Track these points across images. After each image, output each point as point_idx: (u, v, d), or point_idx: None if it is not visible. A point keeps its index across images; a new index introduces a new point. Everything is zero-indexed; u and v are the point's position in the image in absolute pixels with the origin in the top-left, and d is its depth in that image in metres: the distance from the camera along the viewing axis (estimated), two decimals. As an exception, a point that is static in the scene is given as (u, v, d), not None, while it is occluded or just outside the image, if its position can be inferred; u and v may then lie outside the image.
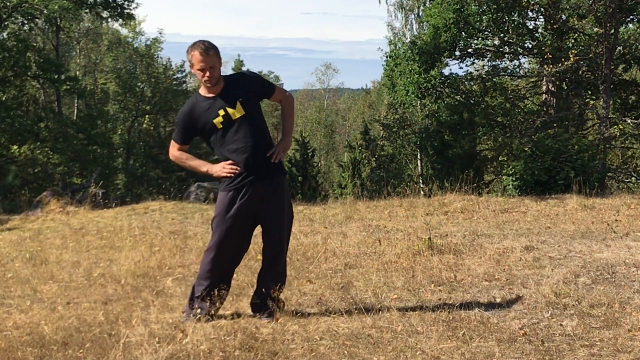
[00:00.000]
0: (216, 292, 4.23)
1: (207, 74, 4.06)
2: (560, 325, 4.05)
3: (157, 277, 5.60)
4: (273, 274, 4.31)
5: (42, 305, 4.85)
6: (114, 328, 4.14)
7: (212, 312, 4.27)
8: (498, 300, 4.63)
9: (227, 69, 56.47)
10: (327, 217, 9.16)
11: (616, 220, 7.83)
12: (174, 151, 4.33)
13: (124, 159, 36.14)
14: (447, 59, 19.22)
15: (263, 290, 4.29)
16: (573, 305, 4.40)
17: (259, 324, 4.13)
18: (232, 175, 4.14)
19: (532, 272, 5.33)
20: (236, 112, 4.12)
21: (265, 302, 4.29)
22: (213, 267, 4.23)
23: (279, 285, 4.32)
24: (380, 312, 4.29)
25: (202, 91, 4.20)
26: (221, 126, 4.12)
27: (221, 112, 4.11)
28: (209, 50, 4.05)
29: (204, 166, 4.30)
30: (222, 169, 4.15)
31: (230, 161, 4.14)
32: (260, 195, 4.16)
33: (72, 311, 4.62)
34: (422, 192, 13.41)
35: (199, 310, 4.18)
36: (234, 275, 5.29)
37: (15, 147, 21.96)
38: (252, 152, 4.11)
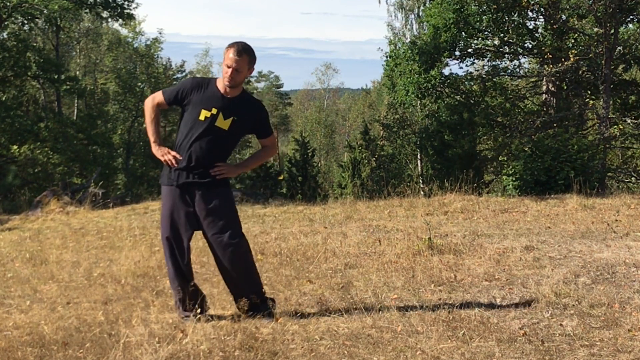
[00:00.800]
0: (190, 290, 4.23)
1: (230, 73, 4.06)
2: (560, 325, 4.05)
3: (157, 277, 5.60)
4: (236, 288, 4.27)
5: (42, 305, 4.85)
6: (114, 328, 4.14)
7: (199, 312, 4.26)
8: (498, 300, 4.63)
9: (227, 69, 56.29)
10: (327, 217, 9.15)
11: (616, 220, 7.82)
12: (152, 102, 4.29)
13: (124, 159, 36.13)
14: (447, 59, 19.23)
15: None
16: (573, 305, 4.40)
17: (259, 324, 4.13)
18: (169, 165, 4.15)
19: (532, 272, 5.33)
20: (223, 123, 4.12)
21: (265, 302, 4.29)
22: (168, 265, 4.25)
23: (249, 297, 4.25)
24: (380, 312, 4.29)
25: (220, 84, 4.17)
26: (203, 119, 4.11)
27: (214, 110, 4.11)
28: (242, 53, 4.05)
29: (154, 138, 4.27)
30: (164, 154, 4.16)
31: (175, 153, 4.14)
32: (199, 203, 4.11)
33: (72, 311, 4.61)
34: (422, 192, 13.41)
35: (185, 313, 4.20)
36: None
37: (15, 147, 21.95)
38: (201, 158, 4.10)
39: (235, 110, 4.14)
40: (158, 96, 4.30)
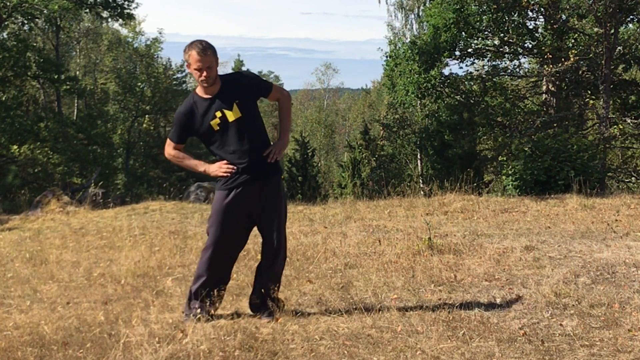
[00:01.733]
0: (215, 292, 4.23)
1: (204, 74, 4.04)
2: (560, 325, 4.05)
3: (157, 277, 5.60)
4: (271, 274, 4.31)
5: (42, 305, 4.85)
6: (114, 328, 4.14)
7: (212, 311, 4.27)
8: (498, 300, 4.63)
9: (227, 69, 56.44)
10: (327, 217, 9.15)
11: (616, 220, 7.82)
12: (170, 150, 4.33)
13: (124, 159, 36.15)
14: (447, 59, 19.22)
15: (262, 290, 4.29)
16: (573, 305, 4.40)
17: (259, 324, 4.13)
18: (229, 175, 4.16)
19: (532, 272, 5.33)
20: (233, 114, 4.12)
21: (265, 302, 4.29)
22: (210, 265, 4.23)
23: (277, 285, 4.33)
24: (380, 312, 4.29)
25: (199, 91, 4.18)
26: (218, 128, 4.12)
27: (218, 114, 4.11)
28: (206, 50, 4.02)
29: (200, 166, 4.30)
30: (219, 168, 4.17)
31: (226, 161, 4.16)
32: (256, 194, 4.18)
33: (72, 311, 4.62)
34: (422, 192, 13.41)
35: (198, 310, 4.18)
36: (234, 275, 5.30)
37: (15, 147, 21.94)
38: (248, 154, 4.14)
39: (230, 96, 4.14)
40: (170, 144, 4.31)
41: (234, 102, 4.12)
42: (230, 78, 4.23)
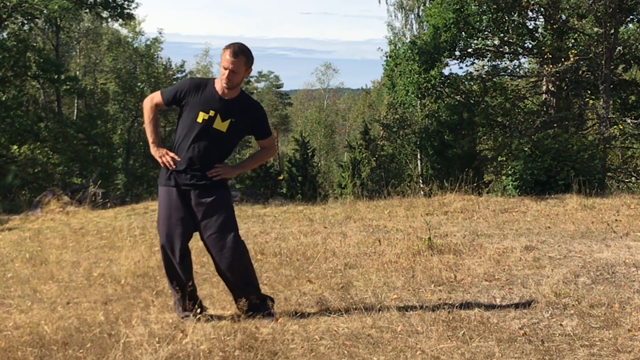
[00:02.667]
0: (188, 289, 4.23)
1: (227, 75, 4.06)
2: (560, 325, 4.05)
3: (157, 277, 5.60)
4: (235, 288, 4.27)
5: (42, 305, 4.85)
6: (114, 328, 4.14)
7: (205, 310, 4.28)
8: (498, 300, 4.63)
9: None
10: (327, 217, 9.15)
11: (616, 220, 7.82)
12: (151, 103, 4.28)
13: (124, 159, 36.15)
14: (447, 59, 19.23)
15: (249, 297, 4.26)
16: (573, 305, 4.40)
17: (259, 324, 4.13)
18: (166, 167, 4.13)
19: (532, 272, 5.33)
20: (220, 124, 4.12)
21: (265, 301, 4.29)
22: (167, 266, 4.23)
23: (248, 297, 4.24)
24: (380, 312, 4.29)
25: (218, 86, 4.18)
26: (200, 121, 4.11)
27: (211, 113, 4.11)
28: (237, 54, 4.05)
29: (152, 139, 4.24)
30: (162, 155, 4.14)
31: (173, 155, 4.12)
32: (196, 203, 4.10)
33: (72, 311, 4.62)
34: (422, 192, 13.40)
35: (188, 314, 4.20)
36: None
37: (15, 147, 21.94)
38: (200, 159, 4.09)
39: (233, 112, 4.14)
40: (157, 97, 4.28)
41: (230, 118, 4.13)
42: (247, 101, 4.25)
